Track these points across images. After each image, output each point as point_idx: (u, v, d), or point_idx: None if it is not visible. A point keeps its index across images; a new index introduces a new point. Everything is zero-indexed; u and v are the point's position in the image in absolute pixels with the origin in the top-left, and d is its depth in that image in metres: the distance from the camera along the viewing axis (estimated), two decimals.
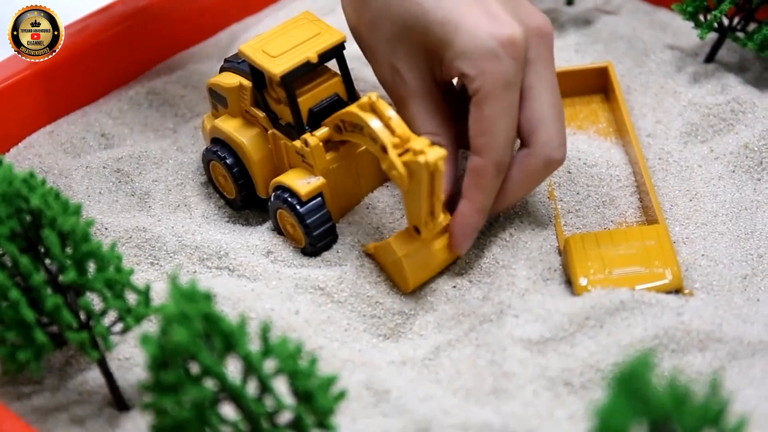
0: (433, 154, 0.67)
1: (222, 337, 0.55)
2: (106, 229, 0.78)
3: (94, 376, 0.69)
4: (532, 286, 0.72)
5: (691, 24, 0.87)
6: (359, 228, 0.76)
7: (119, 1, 0.90)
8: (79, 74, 0.87)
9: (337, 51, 0.74)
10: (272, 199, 0.76)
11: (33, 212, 0.63)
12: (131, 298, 0.68)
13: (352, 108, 0.71)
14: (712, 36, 0.88)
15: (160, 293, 0.72)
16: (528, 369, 0.67)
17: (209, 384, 0.56)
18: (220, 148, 0.78)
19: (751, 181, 0.79)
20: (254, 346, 0.56)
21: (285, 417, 0.57)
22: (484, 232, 0.76)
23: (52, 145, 0.85)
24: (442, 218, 0.71)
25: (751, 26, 0.87)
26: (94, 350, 0.63)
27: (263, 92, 0.76)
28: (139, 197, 0.82)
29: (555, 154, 0.72)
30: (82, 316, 0.63)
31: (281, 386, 0.57)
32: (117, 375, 0.67)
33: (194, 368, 0.56)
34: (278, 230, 0.77)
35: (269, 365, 0.56)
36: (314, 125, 0.75)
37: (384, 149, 0.69)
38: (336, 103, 0.75)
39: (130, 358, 0.70)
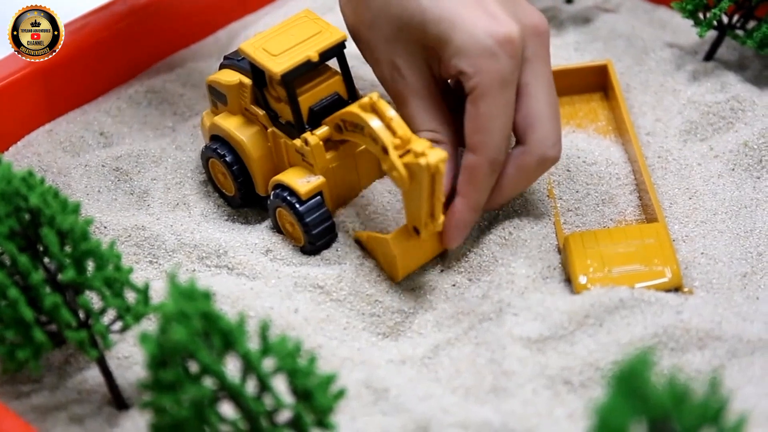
0: (434, 156, 0.67)
1: (221, 335, 0.55)
2: (105, 227, 0.78)
3: (93, 375, 0.69)
4: (532, 284, 0.72)
5: (691, 22, 0.87)
6: (359, 227, 0.76)
7: None
8: (78, 73, 0.87)
9: (337, 50, 0.74)
10: (271, 197, 0.76)
11: (32, 211, 0.63)
12: (130, 296, 0.68)
13: (353, 108, 0.71)
14: (712, 34, 0.88)
15: (159, 292, 0.72)
16: (527, 367, 0.67)
17: (208, 383, 0.56)
18: (219, 145, 0.78)
19: (751, 180, 0.79)
20: (253, 344, 0.56)
21: (284, 415, 0.57)
22: (483, 230, 0.76)
23: (51, 144, 0.85)
24: (442, 219, 0.71)
25: (751, 24, 0.87)
26: (93, 349, 0.63)
27: (263, 90, 0.75)
28: (138, 196, 0.82)
29: (550, 152, 0.72)
30: (81, 315, 0.63)
31: (280, 385, 0.57)
32: (116, 374, 0.67)
33: (193, 367, 0.56)
34: (277, 229, 0.77)
35: (268, 364, 0.56)
36: (314, 124, 0.74)
37: (385, 150, 0.69)
38: (336, 102, 0.75)
39: (129, 357, 0.70)
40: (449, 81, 0.76)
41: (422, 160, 0.67)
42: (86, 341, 0.63)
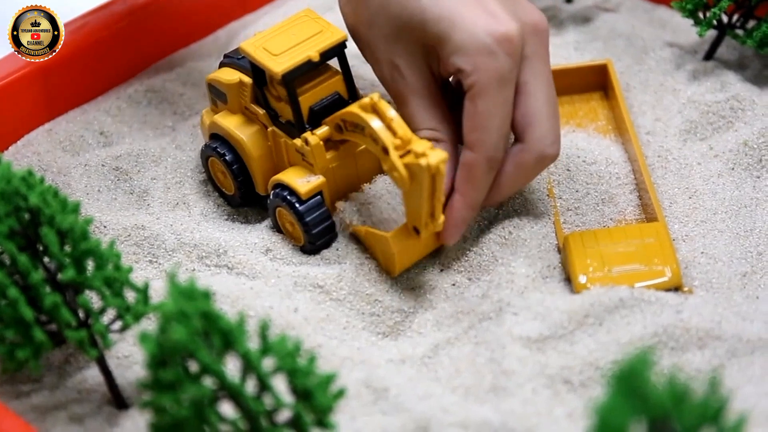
0: (435, 157, 0.67)
1: (221, 335, 0.55)
2: (105, 227, 0.78)
3: (92, 375, 0.69)
4: (532, 283, 0.72)
5: (691, 21, 0.87)
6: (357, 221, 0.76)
7: None
8: (78, 72, 0.87)
9: (338, 49, 0.74)
10: (271, 197, 0.76)
11: (31, 210, 0.63)
12: (130, 296, 0.68)
13: (354, 108, 0.71)
14: (712, 33, 0.88)
15: (158, 291, 0.72)
16: (527, 367, 0.67)
17: (208, 382, 0.56)
18: (219, 144, 0.78)
19: (751, 179, 0.79)
20: (253, 344, 0.56)
21: (284, 415, 0.57)
22: (483, 229, 0.76)
23: (50, 143, 0.85)
24: (442, 219, 0.71)
25: (751, 23, 0.87)
26: (93, 348, 0.63)
27: (263, 89, 0.75)
28: (138, 195, 0.82)
29: (549, 150, 0.73)
30: (81, 315, 0.63)
31: (280, 384, 0.57)
32: (116, 373, 0.67)
33: (193, 366, 0.56)
34: (277, 228, 0.77)
35: (268, 363, 0.56)
36: (315, 123, 0.74)
37: (385, 150, 0.69)
38: (337, 102, 0.75)
39: (129, 356, 0.70)
40: (450, 79, 0.76)
41: (423, 161, 0.67)
42: (86, 341, 0.63)
